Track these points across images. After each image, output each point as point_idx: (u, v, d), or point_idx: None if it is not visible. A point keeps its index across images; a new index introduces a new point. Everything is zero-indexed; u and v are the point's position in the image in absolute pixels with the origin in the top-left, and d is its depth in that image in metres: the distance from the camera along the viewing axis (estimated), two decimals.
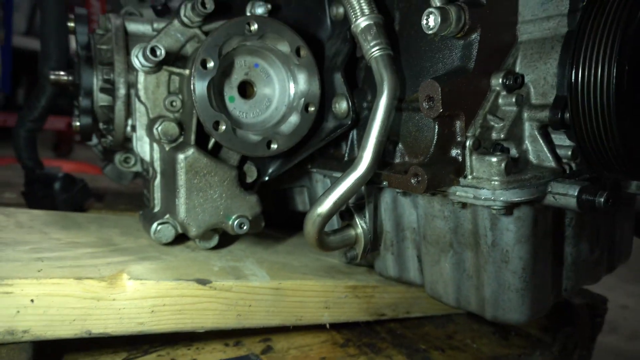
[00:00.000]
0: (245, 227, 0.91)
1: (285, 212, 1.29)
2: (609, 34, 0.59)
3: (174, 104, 0.93)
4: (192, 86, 0.81)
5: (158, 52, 0.82)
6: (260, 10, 0.94)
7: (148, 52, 0.82)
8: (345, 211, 0.93)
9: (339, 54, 0.93)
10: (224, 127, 0.84)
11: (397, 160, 0.83)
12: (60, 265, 0.71)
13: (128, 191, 1.65)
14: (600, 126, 0.62)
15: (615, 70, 0.58)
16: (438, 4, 0.70)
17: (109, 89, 0.99)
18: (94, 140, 1.24)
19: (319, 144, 0.95)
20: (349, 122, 0.90)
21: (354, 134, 0.94)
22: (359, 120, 0.92)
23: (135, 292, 0.71)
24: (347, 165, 0.91)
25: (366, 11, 0.80)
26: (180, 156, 0.85)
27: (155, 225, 0.91)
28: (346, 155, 0.95)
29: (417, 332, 1.04)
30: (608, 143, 0.63)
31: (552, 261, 0.79)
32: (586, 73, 0.61)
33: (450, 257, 0.83)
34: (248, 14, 0.94)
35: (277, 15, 0.96)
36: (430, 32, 0.69)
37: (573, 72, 0.62)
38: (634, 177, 0.66)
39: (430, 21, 0.68)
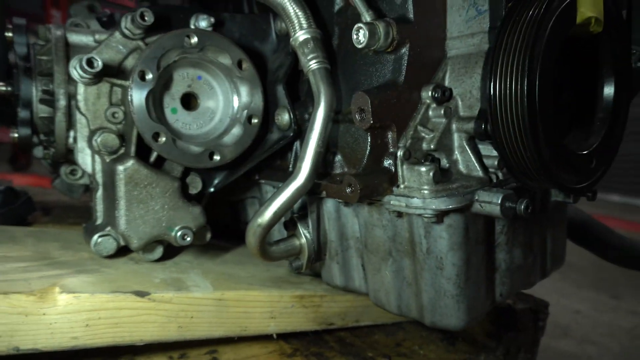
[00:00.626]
0: (188, 238, 0.91)
1: (240, 224, 1.29)
2: (520, 50, 0.63)
3: (116, 115, 0.93)
4: (129, 97, 0.80)
5: (95, 64, 0.82)
6: (203, 24, 0.95)
7: (84, 64, 0.81)
8: (289, 221, 0.94)
9: (281, 66, 0.95)
10: (164, 139, 0.84)
11: (337, 171, 0.85)
12: None
13: (79, 204, 1.61)
14: (517, 137, 0.65)
15: (526, 85, 0.61)
16: (368, 20, 0.73)
17: (49, 100, 0.97)
18: (40, 152, 1.21)
19: (263, 155, 0.96)
20: (292, 134, 0.92)
21: (297, 144, 0.96)
22: (302, 132, 0.93)
23: (68, 305, 0.70)
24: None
25: (304, 25, 0.82)
26: (120, 167, 0.84)
27: (95, 237, 0.89)
28: (291, 165, 0.97)
29: (366, 341, 1.05)
30: (525, 153, 0.66)
31: (486, 267, 0.82)
32: (502, 87, 0.64)
33: (390, 264, 0.85)
34: (192, 27, 0.95)
35: (222, 28, 0.97)
36: (360, 46, 0.71)
37: (491, 86, 0.65)
38: (551, 184, 0.70)
39: (360, 36, 0.71)
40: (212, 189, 1.00)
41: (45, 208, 1.49)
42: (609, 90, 0.76)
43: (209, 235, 0.99)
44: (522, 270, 0.89)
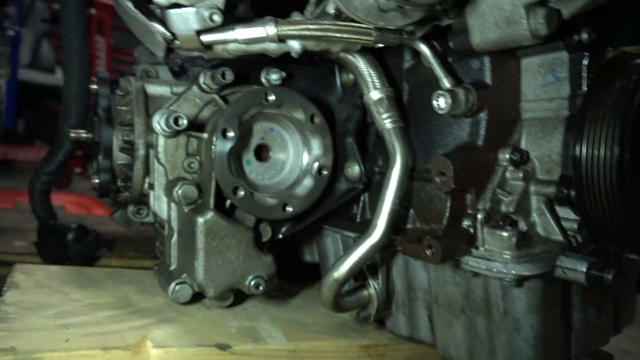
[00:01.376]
0: (261, 288, 0.93)
1: (293, 262, 1.32)
2: (610, 121, 0.63)
3: (192, 165, 0.97)
4: (213, 154, 0.84)
5: (181, 122, 0.86)
6: (274, 77, 0.98)
7: (172, 121, 0.85)
8: (359, 272, 0.95)
9: (350, 119, 0.97)
10: (242, 193, 0.87)
11: (409, 226, 0.87)
12: (85, 332, 0.73)
13: (135, 236, 1.67)
14: (605, 208, 0.65)
15: (617, 159, 0.62)
16: (448, 86, 0.75)
17: (129, 148, 1.03)
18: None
19: (332, 205, 0.98)
20: (361, 186, 0.94)
21: (365, 196, 0.98)
22: (371, 184, 0.95)
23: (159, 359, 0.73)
24: (359, 227, 0.94)
25: (378, 85, 0.84)
26: (200, 220, 0.88)
27: (173, 285, 0.93)
28: (358, 216, 0.99)
29: None
30: (611, 222, 0.66)
31: (562, 328, 0.81)
32: (590, 159, 0.65)
33: (462, 321, 0.85)
34: (263, 79, 0.99)
35: (291, 81, 1.01)
36: (441, 112, 0.73)
37: (578, 156, 0.66)
38: (635, 251, 0.69)
39: (441, 102, 0.72)
40: (280, 236, 1.02)
41: (106, 240, 1.55)
42: None
43: (276, 281, 1.02)
44: (596, 329, 0.88)
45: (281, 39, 0.66)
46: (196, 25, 0.63)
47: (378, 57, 0.91)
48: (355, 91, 1.01)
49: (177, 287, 0.92)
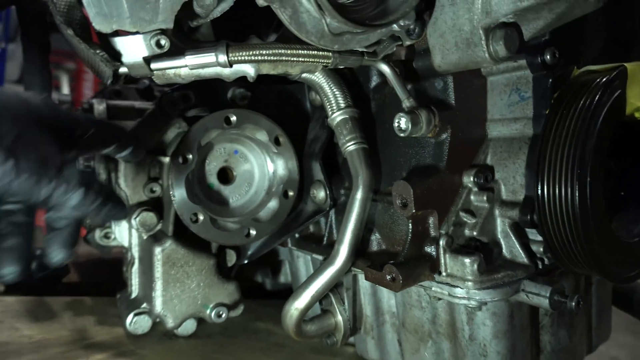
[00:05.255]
0: (223, 316, 0.90)
1: (268, 283, 1.29)
2: (571, 143, 0.62)
3: (154, 189, 0.94)
4: (170, 182, 0.81)
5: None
6: (240, 97, 0.96)
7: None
8: (324, 298, 0.92)
9: (317, 139, 0.95)
10: (202, 218, 0.84)
11: (374, 249, 0.84)
12: None
13: (108, 258, 1.63)
14: (567, 230, 0.63)
15: (577, 184, 0.60)
16: (408, 106, 0.73)
17: (90, 173, 0.99)
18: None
19: (298, 227, 0.95)
20: (327, 208, 0.92)
21: (332, 215, 0.95)
22: (337, 205, 0.93)
23: None
24: (326, 249, 0.92)
25: (342, 105, 0.82)
26: (158, 249, 0.85)
27: (131, 316, 0.89)
28: (325, 237, 0.96)
29: None
30: (575, 246, 0.64)
31: (531, 352, 0.79)
32: (552, 180, 0.63)
33: (430, 346, 0.83)
34: (229, 98, 0.97)
35: (258, 100, 0.99)
36: (402, 134, 0.71)
37: (539, 181, 0.64)
38: (602, 276, 0.68)
39: (402, 124, 0.71)
40: (245, 261, 1.00)
41: (76, 263, 1.50)
42: None
43: (242, 307, 0.99)
44: (567, 350, 0.86)
45: (233, 64, 0.64)
46: (143, 52, 0.60)
47: (350, 73, 0.90)
48: (324, 111, 0.99)
49: (136, 318, 0.89)
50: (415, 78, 0.78)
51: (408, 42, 0.73)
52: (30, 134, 0.55)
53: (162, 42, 0.60)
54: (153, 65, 0.62)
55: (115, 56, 0.61)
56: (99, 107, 1.02)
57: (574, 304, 0.65)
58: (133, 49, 0.60)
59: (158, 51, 0.60)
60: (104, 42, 0.60)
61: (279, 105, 0.98)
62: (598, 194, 0.63)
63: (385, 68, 0.76)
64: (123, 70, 0.63)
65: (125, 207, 0.71)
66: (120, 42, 0.59)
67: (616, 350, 2.56)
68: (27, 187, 0.54)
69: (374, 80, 0.89)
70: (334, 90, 0.83)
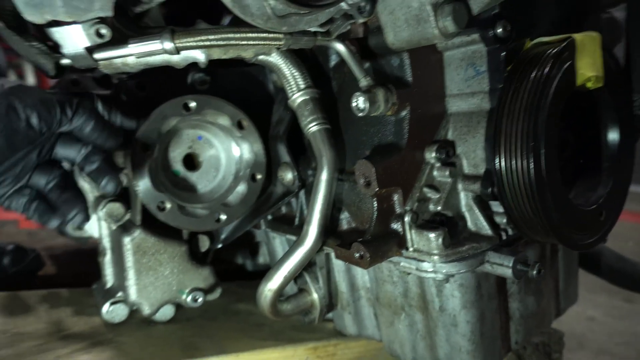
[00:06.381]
0: (200, 300, 0.91)
1: (248, 265, 1.30)
2: (524, 116, 0.62)
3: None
4: (130, 172, 0.80)
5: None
6: (199, 82, 0.95)
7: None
8: (298, 276, 0.93)
9: (281, 122, 0.94)
10: (169, 206, 0.84)
11: (344, 227, 0.85)
12: None
13: (86, 248, 1.62)
14: (525, 202, 0.64)
15: (532, 156, 0.60)
16: (365, 85, 0.72)
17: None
18: None
19: (269, 210, 0.96)
20: (296, 189, 0.92)
21: (302, 195, 0.95)
22: (306, 185, 0.93)
23: None
24: (298, 230, 0.92)
25: (302, 85, 0.81)
26: (127, 239, 0.84)
27: (107, 305, 0.89)
28: (297, 218, 0.96)
29: None
30: (534, 217, 0.65)
31: (500, 319, 0.81)
32: (507, 153, 0.64)
33: (403, 319, 0.85)
34: (189, 83, 0.95)
35: (219, 84, 0.97)
36: (360, 114, 0.70)
37: (496, 154, 0.64)
38: (562, 244, 0.69)
39: (360, 103, 0.70)
40: (219, 245, 1.00)
41: (53, 255, 1.49)
42: (613, 140, 0.75)
43: (219, 291, 0.99)
44: (536, 315, 0.88)
45: (180, 50, 0.62)
46: (84, 42, 0.58)
47: (310, 53, 0.88)
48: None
49: (112, 307, 0.89)
50: (373, 56, 0.77)
51: (360, 20, 0.72)
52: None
53: (103, 31, 0.58)
54: (96, 56, 0.60)
55: (54, 48, 0.59)
56: None
57: (535, 272, 0.67)
58: (73, 40, 0.58)
59: (99, 41, 0.58)
60: (41, 34, 0.58)
61: (240, 88, 0.97)
62: (553, 164, 0.64)
63: (340, 47, 0.75)
64: (65, 62, 0.61)
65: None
66: (58, 33, 0.57)
67: (593, 310, 2.65)
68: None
69: (333, 60, 0.87)
70: (293, 71, 0.81)
